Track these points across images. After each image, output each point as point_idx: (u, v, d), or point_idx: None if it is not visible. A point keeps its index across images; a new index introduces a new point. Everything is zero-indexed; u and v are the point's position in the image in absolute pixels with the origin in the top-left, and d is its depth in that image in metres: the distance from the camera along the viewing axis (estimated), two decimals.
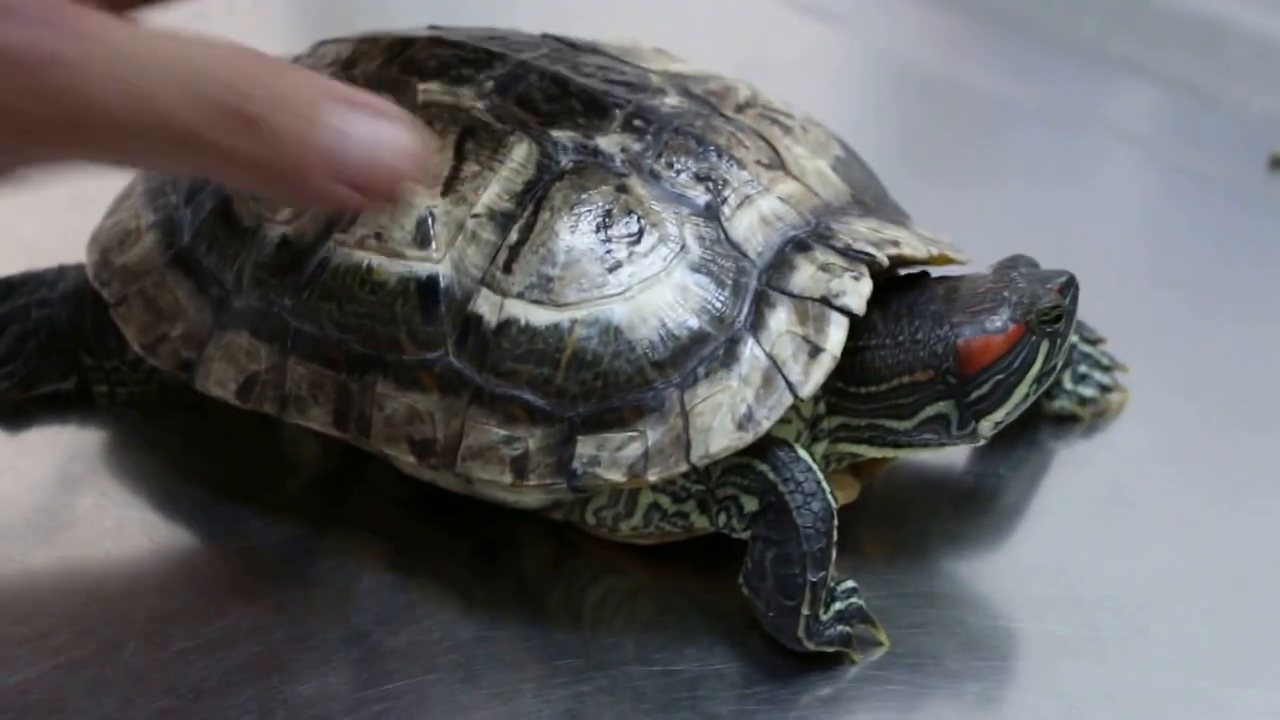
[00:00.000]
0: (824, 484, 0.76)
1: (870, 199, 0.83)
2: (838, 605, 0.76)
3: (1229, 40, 1.25)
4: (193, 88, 0.66)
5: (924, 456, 0.86)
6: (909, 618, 0.78)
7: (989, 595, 0.81)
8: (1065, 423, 0.90)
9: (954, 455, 0.88)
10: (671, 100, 0.82)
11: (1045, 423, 0.89)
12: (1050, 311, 0.78)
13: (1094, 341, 0.90)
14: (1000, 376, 0.78)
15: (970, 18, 1.31)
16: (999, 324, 0.78)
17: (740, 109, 0.83)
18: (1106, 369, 0.90)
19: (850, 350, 0.78)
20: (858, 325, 0.78)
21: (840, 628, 0.76)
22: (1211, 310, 1.02)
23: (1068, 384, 0.89)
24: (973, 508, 0.85)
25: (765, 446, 0.76)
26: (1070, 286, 0.79)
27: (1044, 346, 0.78)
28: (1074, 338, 0.88)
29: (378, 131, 0.66)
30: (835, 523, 0.76)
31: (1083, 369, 0.90)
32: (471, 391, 0.77)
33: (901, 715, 0.74)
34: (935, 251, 0.81)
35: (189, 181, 0.85)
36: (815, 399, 0.79)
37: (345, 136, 0.65)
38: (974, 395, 0.78)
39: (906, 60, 1.31)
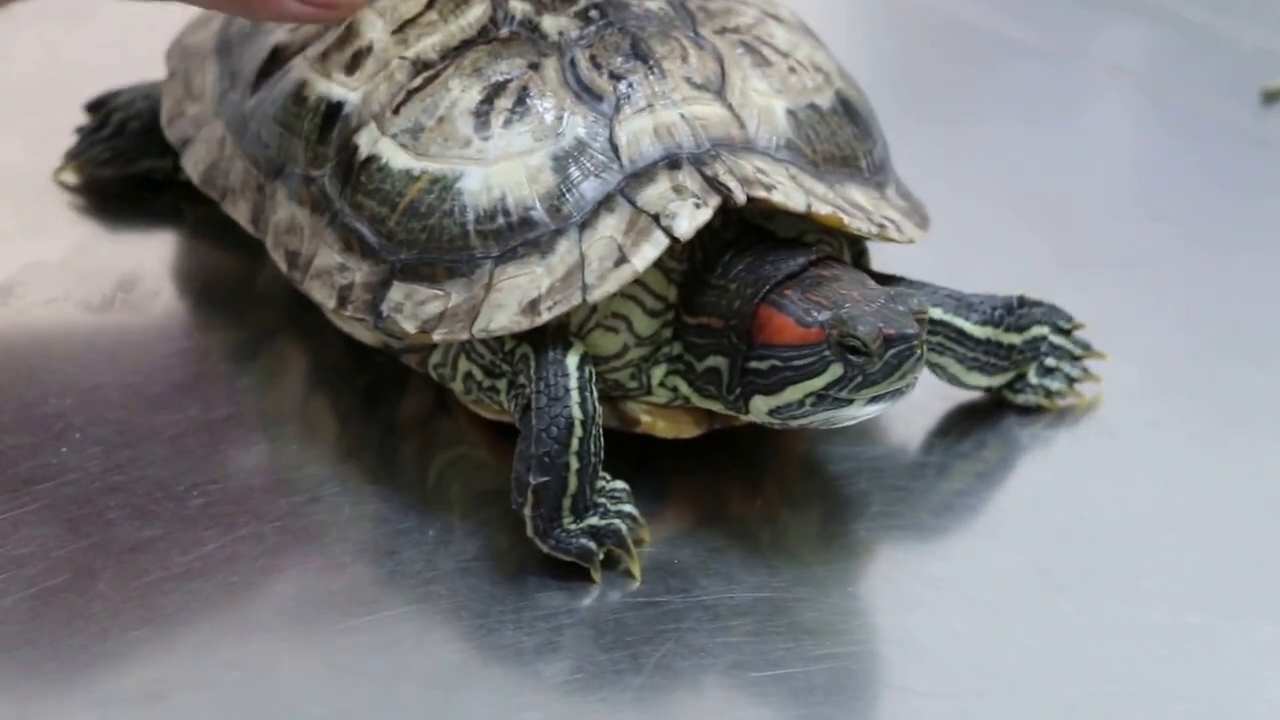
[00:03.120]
0: (576, 393, 0.76)
1: (819, 153, 0.81)
2: (593, 519, 0.75)
3: None
4: None
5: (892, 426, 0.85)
6: (895, 549, 0.77)
7: (978, 529, 0.80)
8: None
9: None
10: (652, 4, 0.82)
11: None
12: (854, 340, 0.73)
13: (1068, 331, 0.86)
14: (778, 363, 0.75)
15: None
16: (807, 318, 0.74)
17: (722, 31, 0.83)
18: (1077, 359, 0.86)
19: (698, 280, 0.78)
20: (715, 259, 0.77)
21: (584, 540, 0.75)
22: (1203, 243, 1.01)
23: (1033, 378, 0.85)
24: (961, 441, 0.84)
25: (545, 342, 0.76)
26: (896, 342, 0.73)
27: (834, 368, 0.74)
28: (1044, 329, 0.84)
29: None
30: (580, 435, 0.75)
31: (1050, 361, 0.85)
32: (330, 214, 0.81)
33: (893, 649, 0.74)
34: (822, 211, 0.78)
35: None
36: (658, 317, 0.79)
37: None
38: (751, 364, 0.76)
39: None
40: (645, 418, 0.80)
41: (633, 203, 0.77)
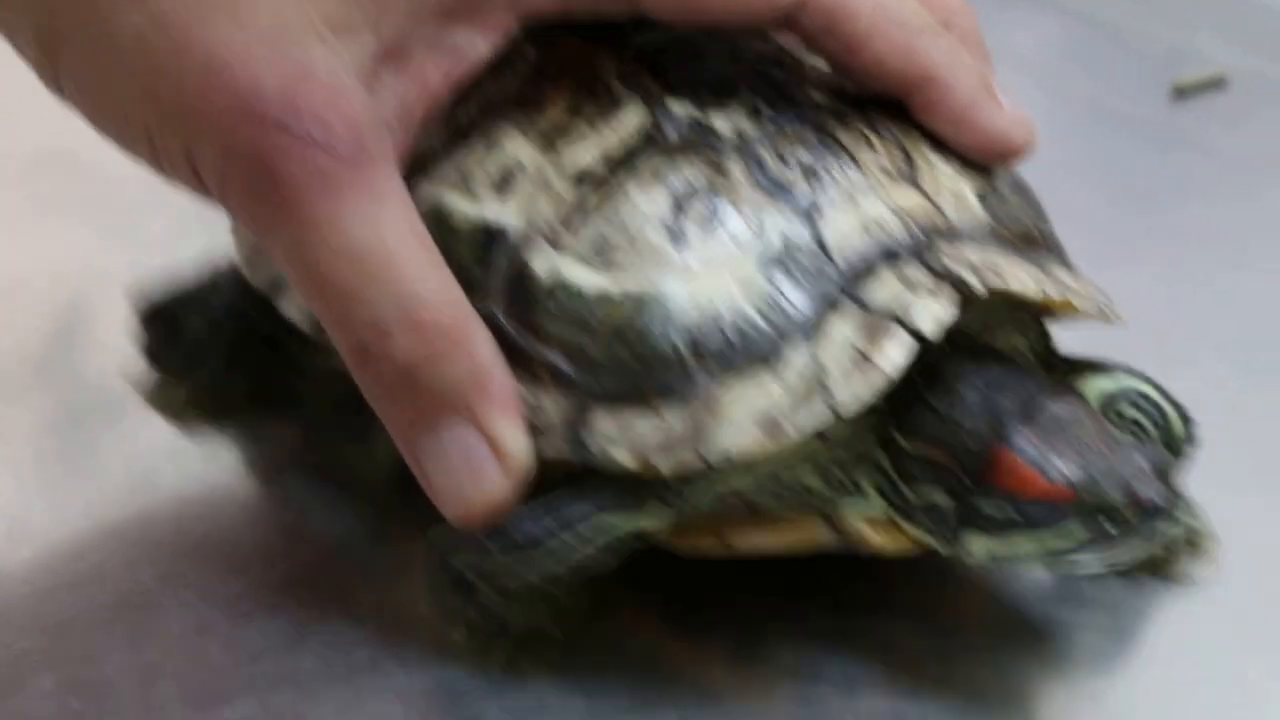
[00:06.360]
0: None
1: (1014, 234, 0.76)
2: None
3: None
4: (357, 311, 0.69)
5: None
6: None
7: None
8: None
9: None
10: (819, 95, 0.77)
11: None
12: (1110, 511, 0.68)
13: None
14: (1012, 513, 0.69)
15: None
16: (1054, 474, 0.69)
17: (892, 114, 0.76)
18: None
19: (914, 395, 0.71)
20: (934, 372, 0.71)
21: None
22: (1114, 240, 1.00)
23: None
24: None
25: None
26: (1151, 511, 0.68)
27: (1075, 529, 0.69)
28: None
29: (477, 469, 0.70)
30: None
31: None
32: (507, 346, 0.72)
33: None
34: (1055, 295, 0.73)
35: None
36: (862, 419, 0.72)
37: (442, 451, 0.70)
38: (980, 503, 0.70)
39: None
40: (871, 534, 0.73)
41: (862, 304, 0.71)
